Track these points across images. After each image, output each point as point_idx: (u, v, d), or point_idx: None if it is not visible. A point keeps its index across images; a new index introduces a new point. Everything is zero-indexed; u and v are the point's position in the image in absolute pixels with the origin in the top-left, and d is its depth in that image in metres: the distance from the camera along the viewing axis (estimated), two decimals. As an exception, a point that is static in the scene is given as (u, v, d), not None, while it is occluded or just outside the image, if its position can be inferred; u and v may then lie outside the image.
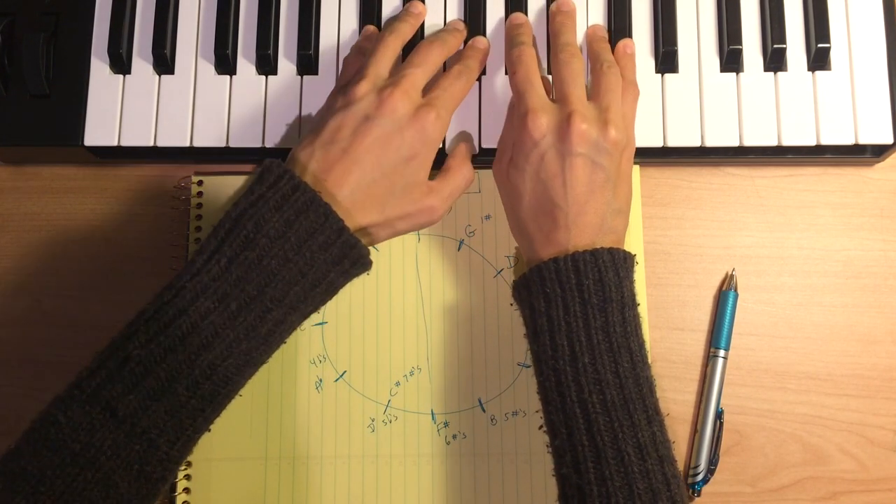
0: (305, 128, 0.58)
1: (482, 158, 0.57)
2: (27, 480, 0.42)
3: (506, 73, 0.58)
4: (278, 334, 0.48)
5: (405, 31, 0.57)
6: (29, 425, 0.44)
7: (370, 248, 0.51)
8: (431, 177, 0.54)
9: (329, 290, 0.50)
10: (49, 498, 0.42)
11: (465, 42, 0.59)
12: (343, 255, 0.48)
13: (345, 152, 0.49)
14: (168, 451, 0.45)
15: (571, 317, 0.47)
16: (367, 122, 0.50)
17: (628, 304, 0.49)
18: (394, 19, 0.58)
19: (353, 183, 0.49)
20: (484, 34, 0.59)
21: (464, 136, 0.58)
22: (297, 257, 0.46)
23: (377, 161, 0.50)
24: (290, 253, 0.46)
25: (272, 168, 0.48)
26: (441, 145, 0.56)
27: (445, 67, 0.58)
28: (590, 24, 0.59)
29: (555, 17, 0.57)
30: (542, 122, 0.51)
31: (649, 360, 0.49)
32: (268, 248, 0.46)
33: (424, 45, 0.55)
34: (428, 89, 0.53)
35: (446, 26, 0.59)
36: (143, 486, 0.44)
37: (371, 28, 0.59)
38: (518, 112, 0.52)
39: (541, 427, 0.49)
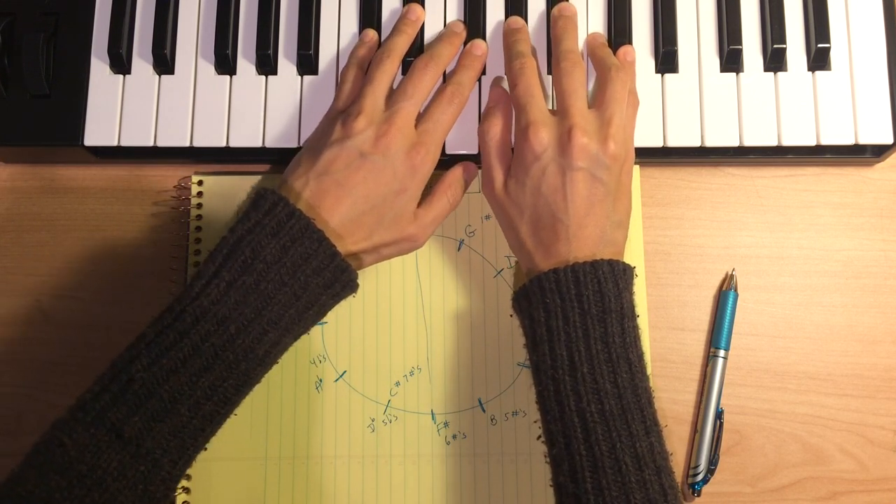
0: (305, 128, 0.58)
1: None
2: None
3: (505, 74, 0.58)
4: (274, 355, 0.49)
5: (402, 48, 0.57)
6: (31, 449, 0.44)
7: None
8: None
9: (320, 313, 0.52)
10: None
11: (465, 42, 0.59)
12: (335, 279, 0.50)
13: (338, 184, 0.51)
14: (171, 471, 0.46)
15: (571, 327, 0.48)
16: (361, 158, 0.51)
17: (627, 315, 0.49)
18: (391, 33, 0.58)
19: (343, 213, 0.51)
20: (483, 35, 0.59)
21: (461, 162, 0.58)
22: (293, 281, 0.48)
23: (368, 194, 0.51)
24: (285, 277, 0.48)
25: (267, 196, 0.49)
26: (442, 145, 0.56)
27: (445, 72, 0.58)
28: (590, 26, 0.59)
29: (556, 21, 0.57)
30: (544, 135, 0.51)
31: (648, 371, 0.49)
32: (265, 272, 0.47)
33: (419, 70, 0.55)
34: (422, 116, 0.54)
35: (445, 29, 0.59)
36: None
37: (370, 33, 0.59)
38: (519, 125, 0.53)
39: (539, 437, 0.50)
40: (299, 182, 0.51)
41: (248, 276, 0.47)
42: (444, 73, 0.58)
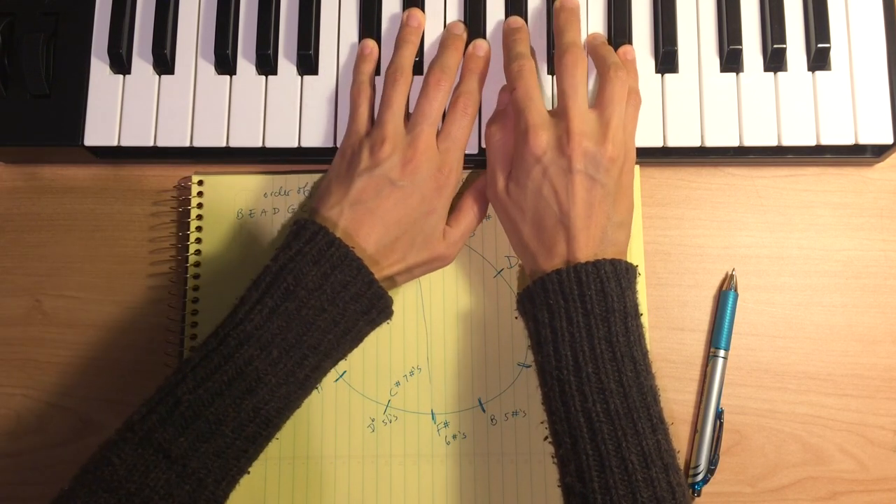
0: (305, 128, 0.58)
1: (482, 158, 0.57)
2: None
3: (504, 75, 0.58)
4: (314, 379, 0.51)
5: (410, 60, 0.57)
6: (79, 469, 0.46)
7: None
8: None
9: (356, 338, 0.53)
10: None
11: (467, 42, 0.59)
12: (371, 306, 0.52)
13: (371, 212, 0.53)
14: (214, 491, 0.47)
15: (575, 327, 0.48)
16: (391, 186, 0.53)
17: (631, 314, 0.49)
18: (397, 46, 0.58)
19: (377, 239, 0.53)
20: (484, 35, 0.59)
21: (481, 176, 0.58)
22: (332, 307, 0.50)
23: (399, 219, 0.53)
24: (325, 304, 0.50)
25: (307, 226, 0.51)
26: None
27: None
28: (590, 26, 0.59)
29: (558, 14, 0.57)
30: (543, 138, 0.51)
31: (653, 370, 0.49)
32: (306, 299, 0.49)
33: (432, 87, 0.55)
34: (440, 134, 0.55)
35: (446, 31, 0.59)
36: None
37: (369, 44, 0.59)
38: (518, 128, 0.53)
39: (546, 438, 0.50)
40: (334, 212, 0.53)
41: (290, 303, 0.49)
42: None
